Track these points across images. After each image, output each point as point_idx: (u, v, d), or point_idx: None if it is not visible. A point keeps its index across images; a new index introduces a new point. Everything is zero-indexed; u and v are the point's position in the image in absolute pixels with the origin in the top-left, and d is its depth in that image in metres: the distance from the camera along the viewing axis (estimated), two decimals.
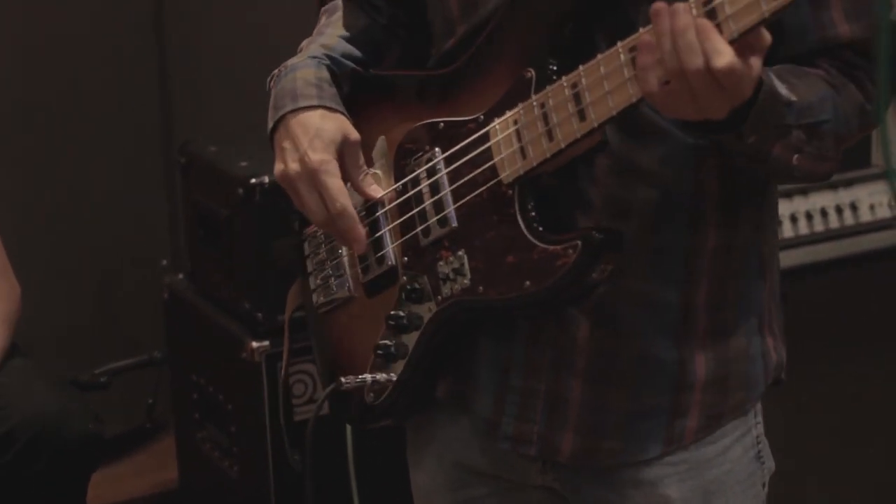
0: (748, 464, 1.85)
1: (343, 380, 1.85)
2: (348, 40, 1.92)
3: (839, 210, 3.01)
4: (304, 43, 1.96)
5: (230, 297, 2.98)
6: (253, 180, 2.84)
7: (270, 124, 1.84)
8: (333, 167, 1.78)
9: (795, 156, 1.65)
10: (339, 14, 1.96)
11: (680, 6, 1.52)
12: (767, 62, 1.54)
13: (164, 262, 3.55)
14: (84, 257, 3.64)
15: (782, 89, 1.59)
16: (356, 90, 1.89)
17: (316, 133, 1.79)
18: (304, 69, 1.86)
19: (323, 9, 2.02)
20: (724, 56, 1.48)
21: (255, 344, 2.86)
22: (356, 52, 1.92)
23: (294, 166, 1.79)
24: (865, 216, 3.04)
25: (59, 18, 3.53)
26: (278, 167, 1.81)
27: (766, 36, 1.49)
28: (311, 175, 1.78)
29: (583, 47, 1.67)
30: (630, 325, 1.76)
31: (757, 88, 1.54)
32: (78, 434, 2.72)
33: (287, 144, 1.80)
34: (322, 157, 1.77)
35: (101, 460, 2.84)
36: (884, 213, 3.04)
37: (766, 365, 1.83)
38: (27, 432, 2.68)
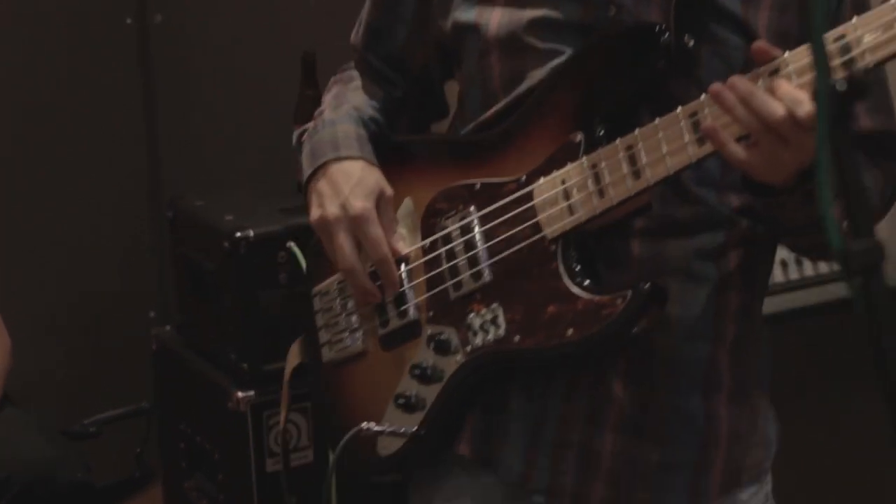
0: None
1: (365, 425, 1.87)
2: (370, 106, 1.98)
3: (798, 262, 3.06)
4: (326, 103, 2.01)
5: (216, 349, 3.03)
6: (238, 234, 2.89)
7: (308, 171, 1.89)
8: (375, 216, 1.84)
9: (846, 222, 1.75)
10: (358, 84, 2.02)
11: (734, 77, 1.61)
12: None
13: (153, 314, 3.59)
14: (74, 310, 3.67)
15: None
16: (378, 154, 1.93)
17: (358, 181, 1.85)
18: (344, 124, 1.92)
19: (334, 78, 2.09)
20: (805, 104, 1.56)
21: (240, 394, 2.91)
22: (378, 118, 1.98)
23: (334, 211, 1.84)
24: (808, 271, 3.09)
25: (46, 69, 3.57)
26: (315, 212, 1.86)
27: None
28: (353, 221, 1.83)
29: (627, 119, 1.74)
30: (661, 381, 1.81)
31: None
32: (69, 483, 2.76)
33: (327, 190, 1.85)
34: (365, 205, 1.83)
35: None
36: (823, 268, 3.08)
37: (777, 428, 1.91)
38: (20, 481, 2.72)
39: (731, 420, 1.85)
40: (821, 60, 1.17)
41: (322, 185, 1.87)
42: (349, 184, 1.84)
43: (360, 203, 1.83)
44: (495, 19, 1.84)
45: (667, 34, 1.71)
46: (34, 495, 2.75)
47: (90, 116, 3.60)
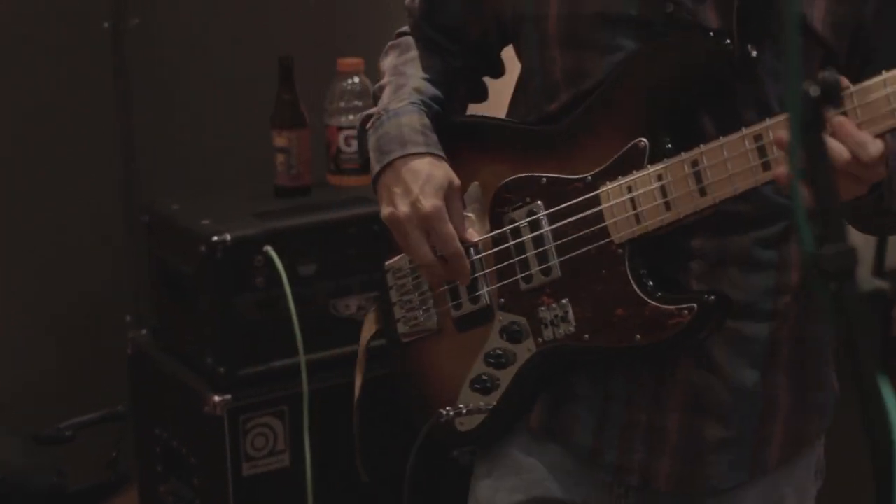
0: (809, 481, 2.01)
1: (442, 412, 1.97)
2: (429, 81, 2.02)
3: None
4: (386, 74, 2.04)
5: (193, 352, 3.03)
6: (215, 238, 2.89)
7: (377, 168, 1.94)
8: (444, 213, 1.89)
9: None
10: (415, 54, 2.05)
11: None
12: None
13: (129, 318, 3.58)
14: (49, 314, 3.67)
15: None
16: (443, 133, 1.98)
17: (427, 179, 1.89)
18: (408, 115, 1.95)
19: (390, 44, 2.12)
20: (869, 146, 1.63)
21: (216, 398, 2.91)
22: (439, 94, 2.02)
23: (405, 210, 1.89)
24: None
25: (22, 73, 3.56)
26: (387, 209, 1.92)
27: None
28: (424, 220, 1.89)
29: (690, 124, 1.81)
30: (723, 360, 1.89)
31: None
32: (42, 487, 2.76)
33: (398, 189, 1.90)
34: (434, 203, 1.88)
35: None
36: None
37: (834, 394, 1.99)
38: None
39: (790, 395, 1.93)
40: (794, 65, 1.18)
41: (392, 182, 1.91)
42: (418, 182, 1.89)
43: (431, 202, 1.88)
44: (553, 11, 1.88)
45: (730, 45, 1.76)
46: (6, 500, 2.75)
47: (66, 120, 3.59)
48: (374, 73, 3.20)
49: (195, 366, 3.02)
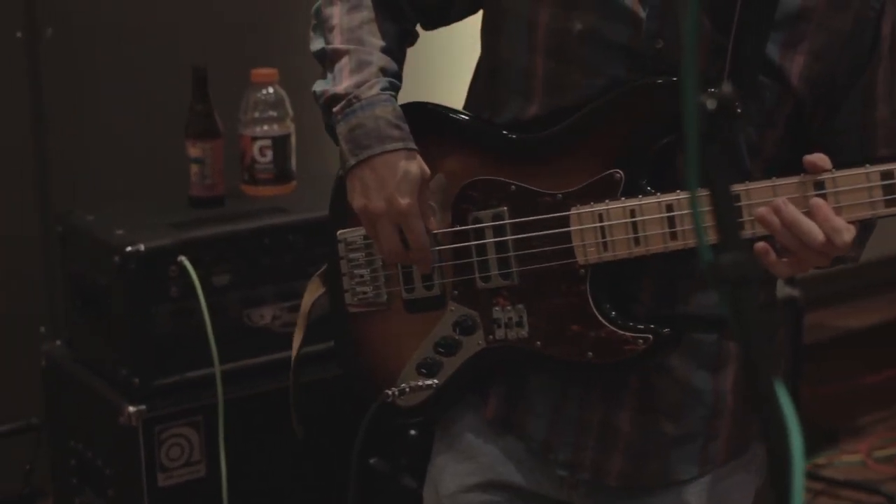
0: (752, 476, 2.08)
1: (388, 392, 2.03)
2: (386, 52, 2.02)
3: None
4: (338, 32, 2.00)
5: (107, 364, 3.02)
6: (129, 248, 2.88)
7: (352, 161, 1.95)
8: (418, 209, 1.93)
9: (853, 251, 1.89)
10: (368, 15, 2.03)
11: (778, 201, 1.75)
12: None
13: (43, 330, 3.56)
14: None
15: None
16: (415, 117, 1.99)
17: (403, 176, 1.93)
18: (382, 106, 1.96)
19: None
20: (843, 234, 1.74)
21: (131, 409, 2.90)
22: (397, 69, 2.04)
23: (380, 204, 1.92)
24: None
25: None
26: (360, 201, 1.95)
27: None
28: (399, 216, 1.92)
29: (668, 166, 1.87)
30: (674, 361, 1.97)
31: None
32: None
33: (373, 183, 1.93)
34: (409, 201, 1.92)
35: None
36: None
37: None
38: None
39: (736, 395, 2.00)
40: (690, 78, 1.20)
41: (367, 176, 1.94)
42: (395, 178, 1.92)
43: (406, 200, 1.92)
44: (543, 19, 1.91)
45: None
46: None
47: None
48: (288, 83, 3.22)
49: (110, 377, 3.01)
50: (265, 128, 3.18)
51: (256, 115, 3.20)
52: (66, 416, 3.24)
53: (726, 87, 1.25)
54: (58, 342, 3.29)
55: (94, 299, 3.03)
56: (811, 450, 4.36)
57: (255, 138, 3.19)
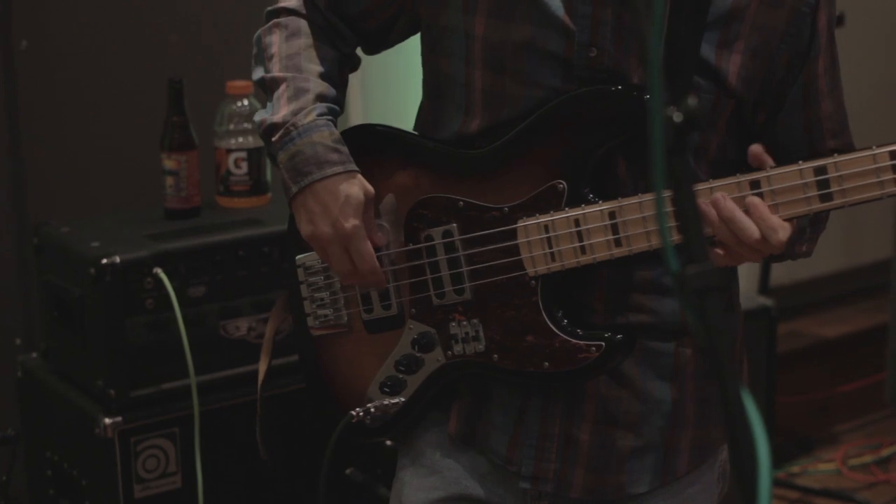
0: (714, 485, 2.10)
1: (353, 413, 2.05)
2: (325, 77, 2.04)
3: None
4: (277, 60, 2.03)
5: (83, 375, 3.02)
6: (104, 260, 2.89)
7: (294, 189, 1.97)
8: (363, 231, 1.95)
9: (805, 245, 1.98)
10: (307, 42, 2.05)
11: (718, 195, 1.78)
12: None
13: (18, 341, 3.56)
14: None
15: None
16: (362, 139, 2.03)
17: (346, 200, 1.94)
18: (319, 132, 1.97)
19: (274, 21, 2.09)
20: (779, 232, 1.77)
21: (107, 420, 2.90)
22: (336, 94, 2.05)
23: (326, 230, 1.95)
24: None
25: None
26: (307, 228, 1.97)
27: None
28: (345, 240, 1.94)
29: (608, 173, 1.90)
30: (632, 373, 1.98)
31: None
32: None
33: (317, 209, 1.95)
34: (354, 224, 1.94)
35: None
36: None
37: None
38: None
39: (696, 405, 2.01)
40: (655, 89, 1.22)
41: (311, 203, 1.95)
42: (337, 203, 1.94)
43: (350, 223, 1.94)
44: (480, 31, 1.92)
45: (641, 98, 1.85)
46: None
47: None
48: (263, 96, 3.21)
49: (86, 388, 3.01)
50: (240, 140, 3.19)
51: (232, 127, 3.21)
52: (42, 428, 3.24)
53: (692, 100, 1.27)
54: (33, 354, 3.29)
55: (70, 311, 3.03)
56: (786, 458, 4.39)
57: (230, 150, 3.20)
